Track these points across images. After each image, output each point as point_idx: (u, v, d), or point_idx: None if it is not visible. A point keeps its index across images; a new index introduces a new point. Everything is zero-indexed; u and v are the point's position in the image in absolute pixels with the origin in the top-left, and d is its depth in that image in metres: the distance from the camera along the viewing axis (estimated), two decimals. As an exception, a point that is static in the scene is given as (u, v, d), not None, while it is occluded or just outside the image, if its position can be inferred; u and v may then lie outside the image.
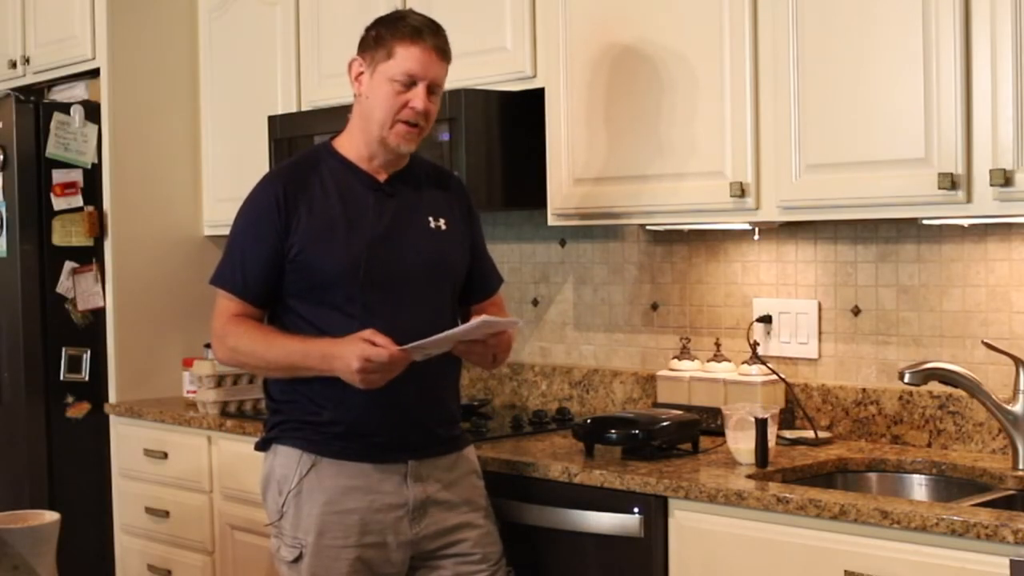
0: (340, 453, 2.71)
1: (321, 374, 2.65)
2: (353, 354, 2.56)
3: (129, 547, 4.25)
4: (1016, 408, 2.79)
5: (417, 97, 2.70)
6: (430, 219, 2.81)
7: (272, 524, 2.79)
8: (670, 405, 3.29)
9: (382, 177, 2.79)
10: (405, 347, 2.58)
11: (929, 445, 3.05)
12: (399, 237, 2.76)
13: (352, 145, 2.79)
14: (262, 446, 2.84)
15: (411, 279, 2.75)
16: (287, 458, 2.75)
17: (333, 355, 2.60)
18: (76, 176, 4.38)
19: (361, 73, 2.76)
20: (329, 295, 2.71)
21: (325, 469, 2.72)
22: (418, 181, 2.84)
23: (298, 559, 2.72)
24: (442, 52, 2.74)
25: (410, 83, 2.70)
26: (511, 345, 2.80)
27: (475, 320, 2.64)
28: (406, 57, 2.70)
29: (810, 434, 3.12)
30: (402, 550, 2.74)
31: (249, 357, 2.73)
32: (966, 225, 2.95)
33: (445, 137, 3.42)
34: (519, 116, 3.48)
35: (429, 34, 2.72)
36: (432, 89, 2.73)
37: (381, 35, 2.74)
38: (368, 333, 2.58)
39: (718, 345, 3.38)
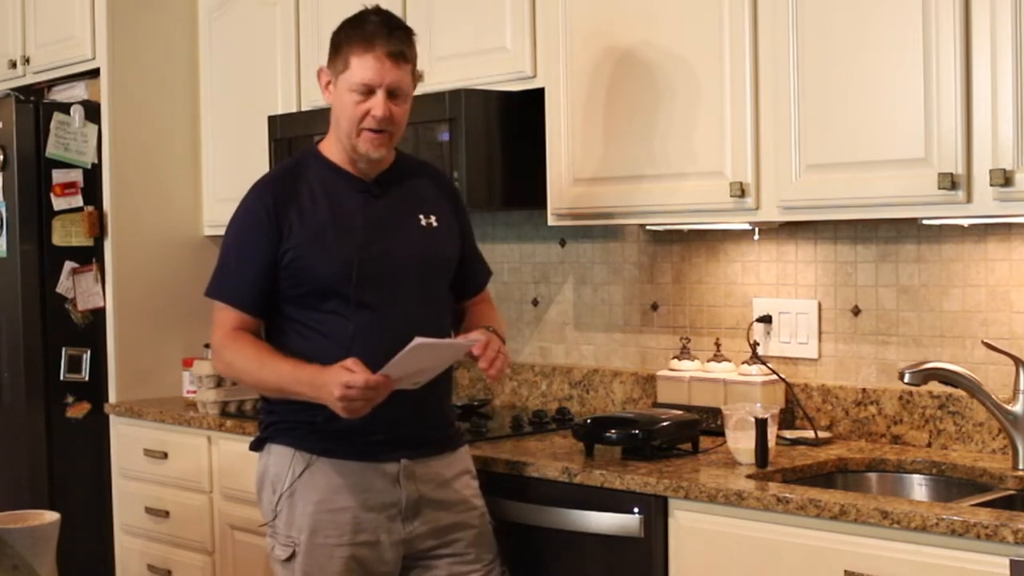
0: (334, 452, 2.71)
1: (311, 400, 2.61)
2: (334, 382, 2.53)
3: (129, 547, 4.25)
4: (1016, 408, 2.79)
5: (376, 105, 2.68)
6: (420, 217, 2.81)
7: (267, 524, 2.79)
8: (670, 405, 3.29)
9: (369, 178, 2.79)
10: (380, 372, 2.53)
11: (929, 445, 3.05)
12: (390, 237, 2.76)
13: (335, 149, 2.79)
14: (256, 446, 2.84)
15: (405, 278, 2.75)
16: (281, 457, 2.75)
17: (319, 384, 2.57)
18: (76, 176, 4.37)
19: (329, 82, 2.77)
20: (324, 299, 2.71)
21: (319, 468, 2.72)
22: (405, 179, 2.83)
23: (291, 558, 2.72)
24: (397, 56, 2.69)
25: (368, 92, 2.68)
26: (505, 362, 2.70)
27: (417, 340, 2.51)
28: (359, 67, 2.68)
29: (810, 434, 3.12)
30: (395, 549, 2.74)
31: (243, 375, 2.74)
32: (966, 225, 2.95)
33: (445, 137, 3.42)
34: (519, 116, 3.48)
35: (382, 40, 2.68)
36: (394, 93, 2.70)
37: (339, 43, 2.73)
38: (349, 362, 2.55)
39: (718, 345, 3.38)
